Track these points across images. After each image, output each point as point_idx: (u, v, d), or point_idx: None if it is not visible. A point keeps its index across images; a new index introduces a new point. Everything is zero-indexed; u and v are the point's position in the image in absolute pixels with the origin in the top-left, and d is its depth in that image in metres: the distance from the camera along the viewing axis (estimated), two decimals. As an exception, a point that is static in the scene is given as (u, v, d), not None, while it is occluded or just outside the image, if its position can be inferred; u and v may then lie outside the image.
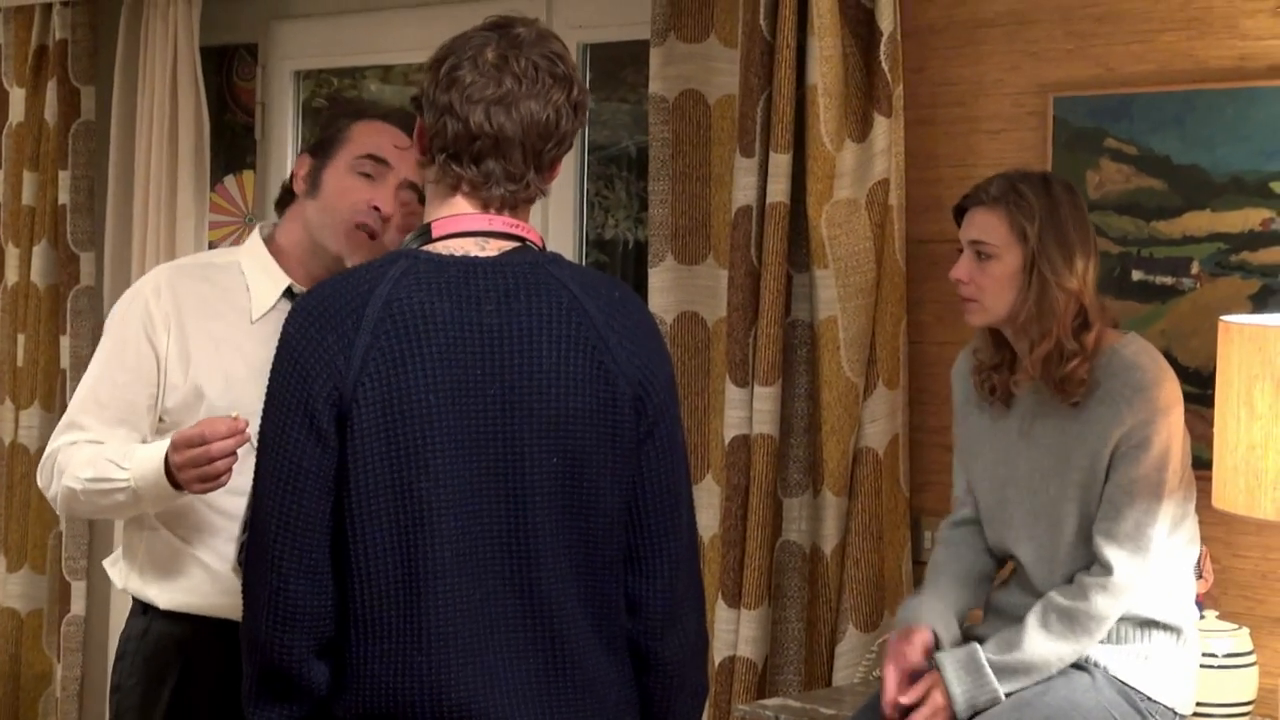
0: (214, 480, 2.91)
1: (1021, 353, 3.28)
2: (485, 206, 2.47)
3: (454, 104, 2.44)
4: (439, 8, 5.10)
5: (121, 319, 3.15)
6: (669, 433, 2.52)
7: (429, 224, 2.48)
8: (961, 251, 3.32)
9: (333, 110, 3.28)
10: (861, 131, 3.99)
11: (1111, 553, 3.17)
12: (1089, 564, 3.23)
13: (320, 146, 3.17)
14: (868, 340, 3.97)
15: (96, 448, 3.04)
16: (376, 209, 3.08)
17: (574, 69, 2.52)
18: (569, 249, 4.86)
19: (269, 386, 2.43)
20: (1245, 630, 3.43)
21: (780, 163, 3.95)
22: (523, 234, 2.49)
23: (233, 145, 5.61)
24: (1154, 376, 3.16)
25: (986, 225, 3.26)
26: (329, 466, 2.36)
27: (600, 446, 2.44)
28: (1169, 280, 3.66)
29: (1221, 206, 3.60)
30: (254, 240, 3.22)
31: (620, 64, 5.07)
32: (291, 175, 3.20)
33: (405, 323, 2.37)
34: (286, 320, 2.44)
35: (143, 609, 3.19)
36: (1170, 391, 3.16)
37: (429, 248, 2.45)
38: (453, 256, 2.43)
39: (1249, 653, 3.41)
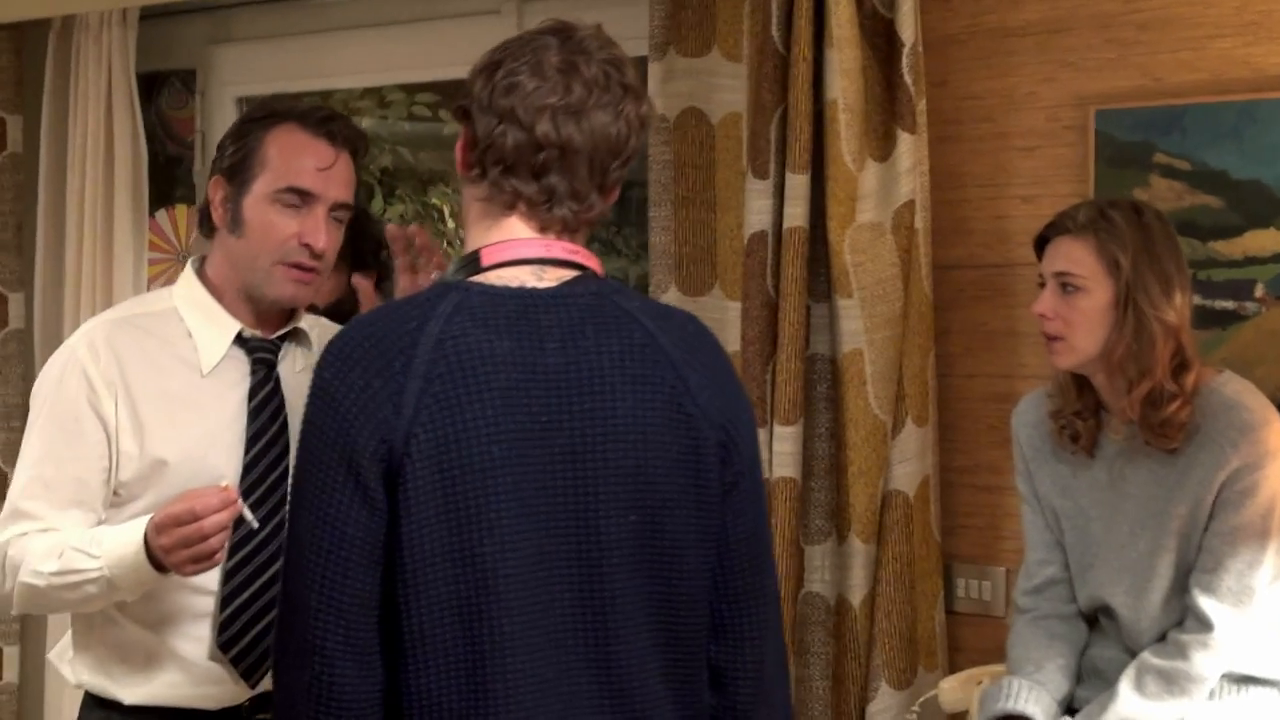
0: (209, 559, 2.58)
1: (1114, 395, 2.99)
2: (543, 229, 2.19)
3: (516, 110, 2.15)
4: (387, 29, 4.82)
5: (57, 387, 2.77)
6: (755, 483, 2.27)
7: (477, 251, 2.19)
8: (1043, 285, 3.03)
9: (242, 116, 2.87)
10: (884, 150, 3.70)
11: (1211, 607, 2.89)
12: (1182, 618, 2.95)
13: (234, 170, 2.78)
14: (895, 374, 3.67)
15: (54, 536, 2.69)
16: (308, 246, 2.76)
17: (640, 79, 2.24)
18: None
19: (303, 441, 2.12)
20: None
21: (798, 184, 3.65)
22: (583, 261, 2.21)
23: (164, 177, 5.22)
24: (1261, 417, 2.89)
25: (1074, 255, 2.98)
26: (378, 532, 2.06)
27: (683, 501, 2.16)
28: (1230, 305, 3.39)
29: (1286, 224, 3.35)
30: (187, 279, 2.86)
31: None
32: (208, 201, 2.83)
33: (462, 365, 2.07)
34: (321, 364, 2.13)
35: (98, 702, 2.83)
36: (1276, 433, 2.89)
37: (479, 279, 2.16)
38: (508, 289, 2.14)
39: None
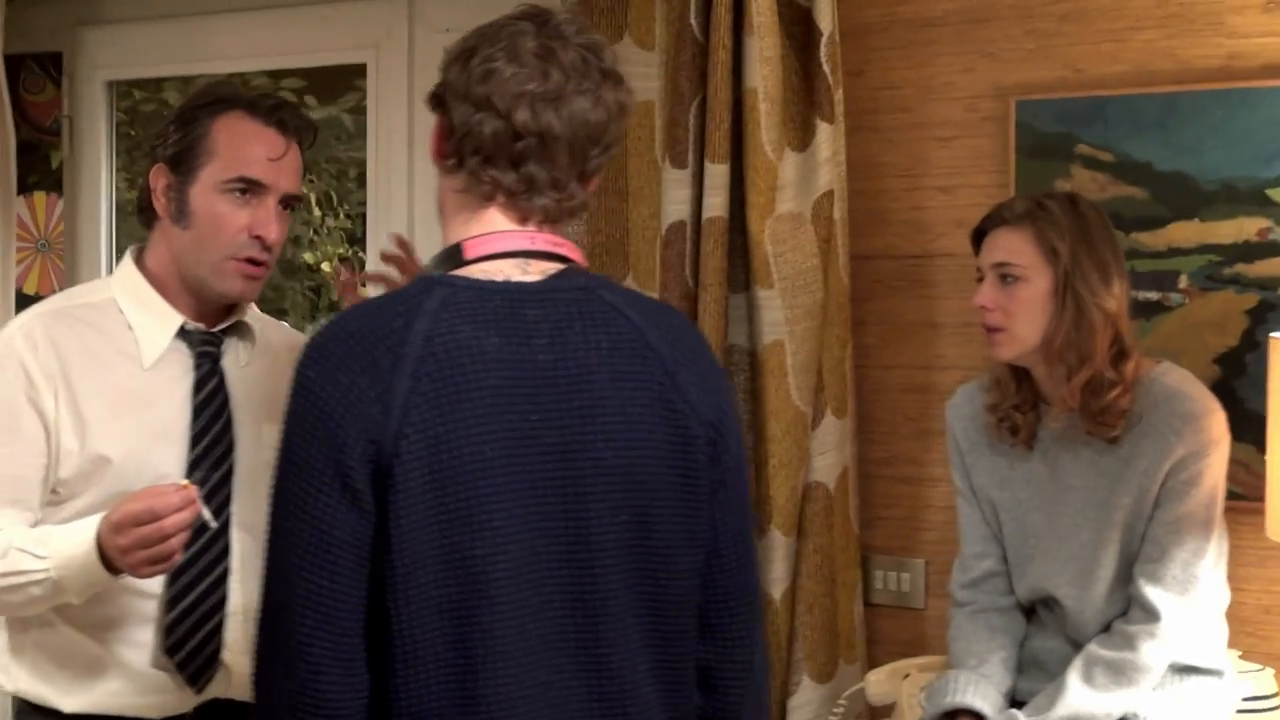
0: (167, 560, 2.47)
1: (1054, 384, 2.99)
2: (524, 220, 2.13)
3: (493, 98, 2.08)
4: (264, 13, 4.70)
5: None
6: (742, 483, 2.23)
7: (459, 244, 2.12)
8: (981, 279, 3.02)
9: (187, 102, 2.76)
10: (803, 140, 3.66)
11: (1158, 597, 2.90)
12: (1126, 608, 2.96)
13: (179, 158, 2.68)
14: (815, 366, 3.64)
15: None
16: (259, 238, 2.67)
17: (617, 64, 2.18)
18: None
19: (286, 442, 2.03)
20: (1270, 671, 3.18)
21: (717, 174, 3.60)
22: (568, 254, 2.15)
23: (20, 164, 5.03)
24: (1204, 405, 2.90)
25: (1012, 246, 2.97)
26: (366, 535, 1.98)
27: (672, 500, 2.11)
28: (1154, 296, 3.42)
29: (1212, 216, 3.37)
30: (126, 269, 2.76)
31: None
32: (147, 189, 2.72)
33: (451, 362, 1.99)
34: (302, 362, 2.04)
35: (34, 709, 2.70)
36: (1220, 421, 2.90)
37: (462, 272, 2.09)
38: (494, 283, 2.07)
39: (1273, 694, 3.16)
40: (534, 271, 2.10)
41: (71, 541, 2.49)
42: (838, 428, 3.68)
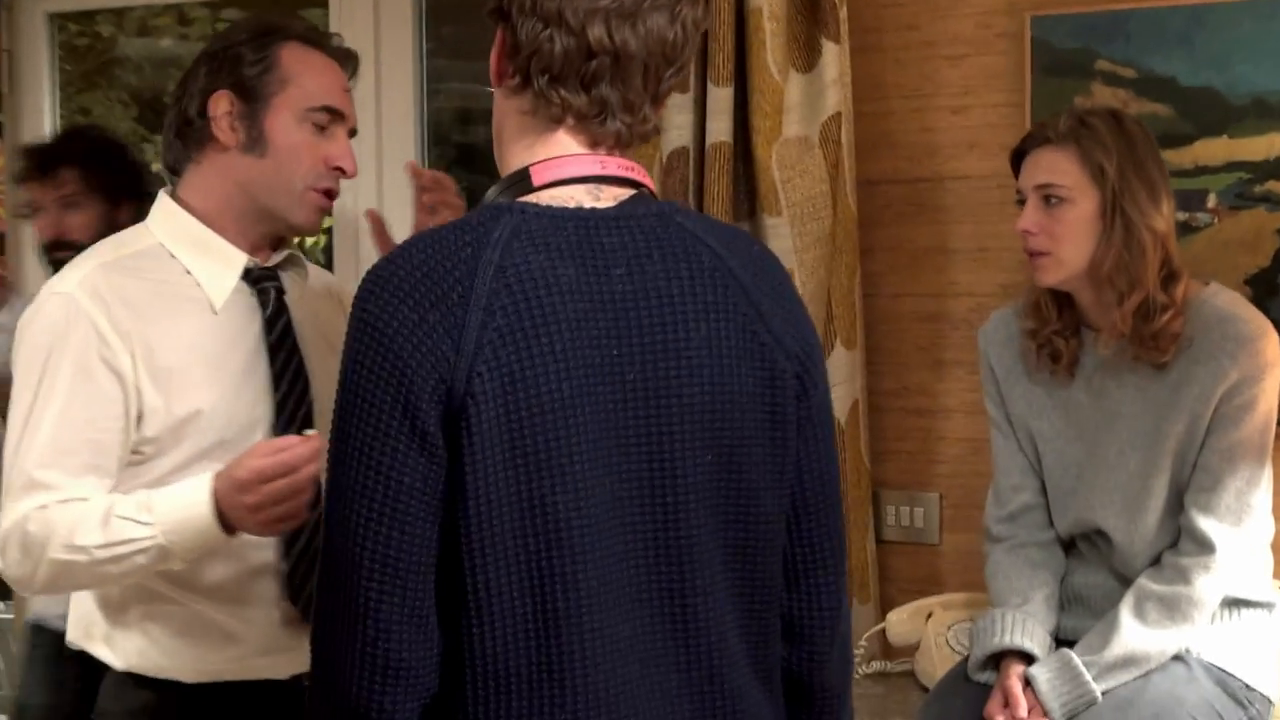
0: (298, 517, 2.34)
1: (1101, 309, 2.86)
2: (594, 145, 1.97)
3: (564, 12, 1.91)
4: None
5: (59, 342, 2.45)
6: (829, 419, 2.09)
7: (527, 169, 1.96)
8: (1022, 201, 2.88)
9: (238, 29, 2.62)
10: (808, 61, 3.51)
11: (1212, 527, 2.79)
12: (1175, 539, 2.85)
13: (248, 85, 2.55)
14: (825, 295, 3.51)
15: (84, 506, 2.40)
16: (339, 169, 2.57)
17: None
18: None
19: (345, 382, 1.86)
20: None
21: (721, 97, 3.46)
22: (640, 179, 2.00)
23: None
24: (1258, 327, 2.78)
25: (1056, 166, 2.83)
26: (437, 482, 1.82)
27: (760, 438, 1.97)
28: (1182, 216, 3.27)
29: (1241, 132, 3.25)
30: (168, 210, 2.60)
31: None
32: (205, 116, 2.56)
33: (525, 294, 1.84)
34: (363, 297, 1.87)
35: (144, 682, 2.54)
36: (1275, 344, 2.79)
37: (531, 198, 1.93)
38: (566, 209, 1.92)
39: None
40: (606, 198, 1.96)
41: (180, 504, 2.34)
42: (848, 359, 3.55)
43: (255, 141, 2.54)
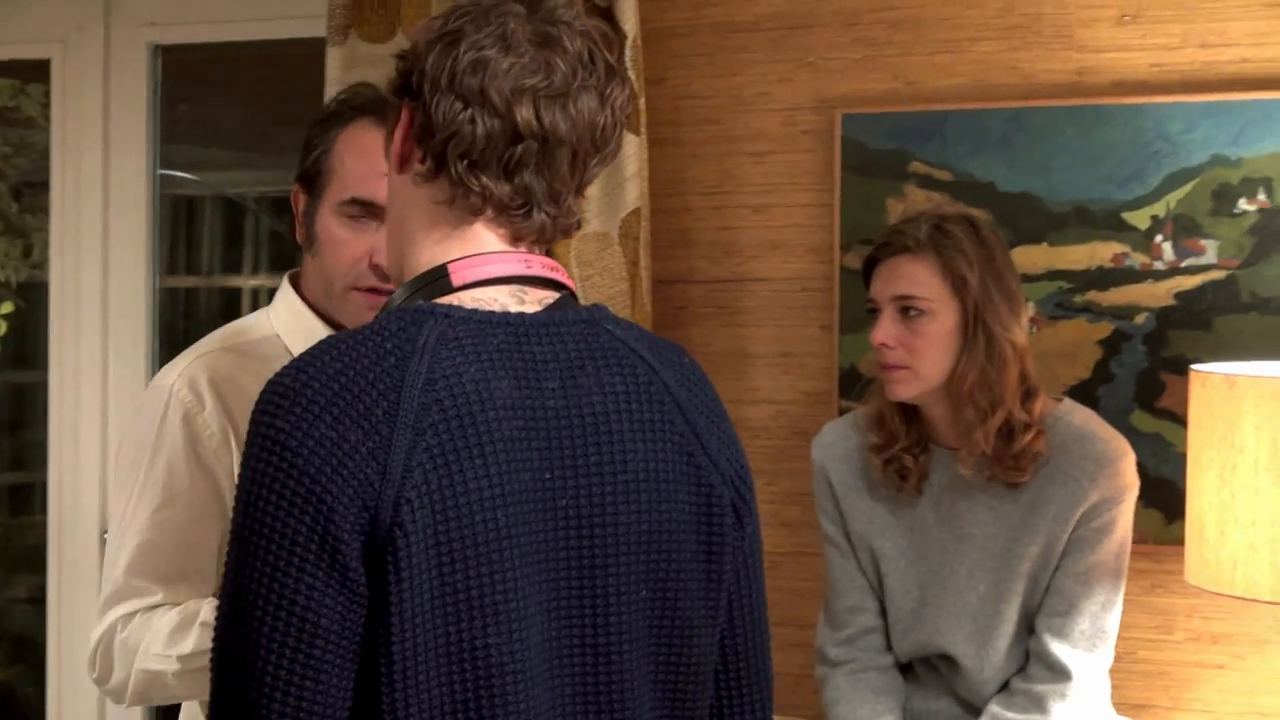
0: None
1: (955, 426, 2.72)
2: (515, 240, 1.77)
3: (487, 91, 1.70)
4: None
5: (157, 440, 2.32)
6: (760, 552, 1.91)
7: (444, 267, 1.74)
8: (874, 311, 2.73)
9: (325, 109, 2.45)
10: (608, 152, 3.31)
11: (1066, 654, 2.67)
12: (1023, 664, 2.72)
13: (307, 177, 2.40)
14: (623, 401, 3.29)
15: (174, 614, 2.27)
16: (379, 266, 2.32)
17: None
18: (140, 313, 3.95)
19: (249, 509, 1.61)
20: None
21: (518, 188, 3.22)
22: (564, 280, 1.81)
23: None
24: (1118, 448, 2.67)
25: (915, 276, 2.68)
26: (357, 623, 1.59)
27: (695, 571, 1.79)
28: (999, 325, 3.18)
29: (1062, 240, 3.17)
30: (286, 298, 2.45)
31: (196, 69, 4.15)
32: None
33: (459, 411, 1.63)
34: (268, 410, 1.62)
35: None
36: (1133, 465, 2.69)
37: (451, 300, 1.72)
38: (494, 314, 1.71)
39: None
40: (532, 301, 1.75)
41: None
42: (645, 469, 3.34)
43: (310, 240, 2.39)
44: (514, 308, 1.72)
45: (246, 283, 4.48)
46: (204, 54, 4.04)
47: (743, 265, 3.40)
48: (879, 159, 3.27)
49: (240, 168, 4.49)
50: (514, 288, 1.74)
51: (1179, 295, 3.11)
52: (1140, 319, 3.13)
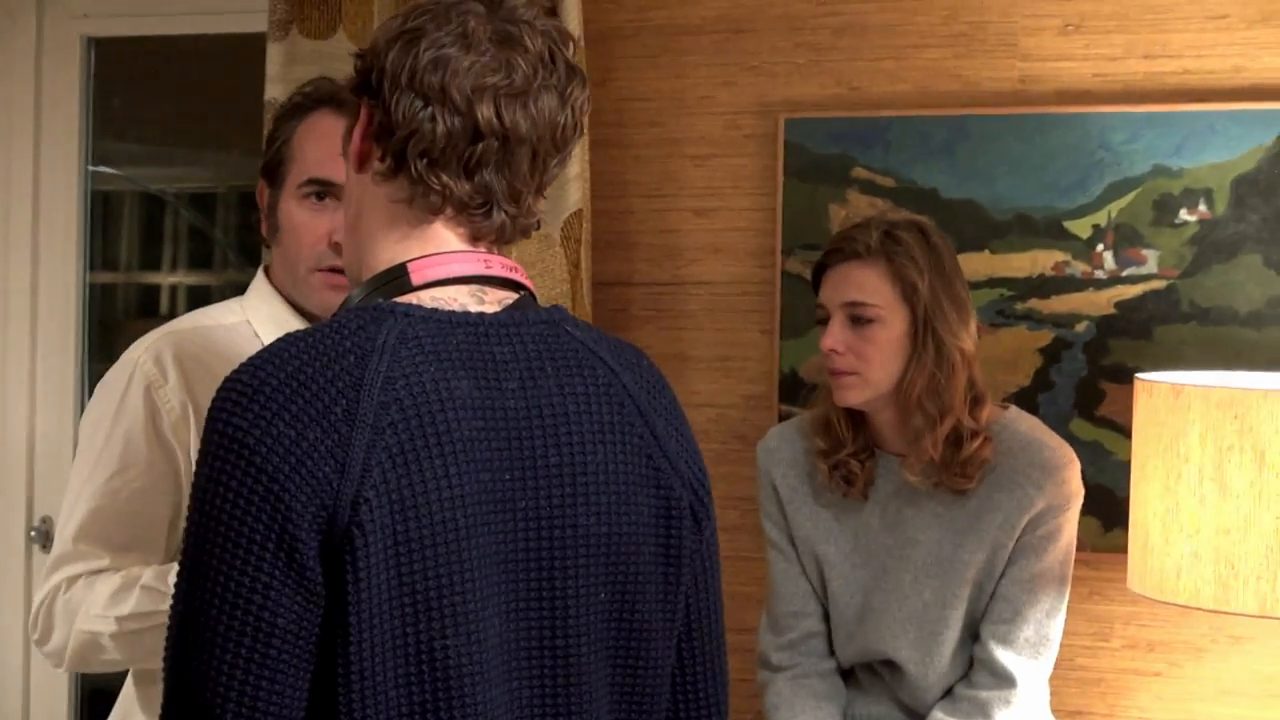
0: None
1: (901, 433, 2.72)
2: (475, 239, 1.76)
3: (448, 89, 1.70)
4: None
5: (118, 408, 2.35)
6: (717, 556, 1.91)
7: (404, 265, 1.73)
8: (823, 319, 2.72)
9: (283, 103, 2.45)
10: (550, 152, 3.29)
11: (1011, 660, 2.67)
12: (966, 670, 2.72)
13: (269, 169, 2.42)
14: (563, 404, 3.28)
15: (117, 577, 2.29)
16: (339, 244, 2.28)
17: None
18: (70, 308, 3.90)
19: (205, 507, 1.59)
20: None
21: (460, 188, 3.19)
22: (523, 280, 1.80)
23: None
24: (1064, 456, 2.68)
25: (865, 283, 2.67)
26: (313, 625, 1.58)
27: (653, 575, 1.78)
28: (941, 331, 3.19)
29: (1004, 248, 3.18)
30: (259, 287, 2.47)
31: (136, 62, 4.09)
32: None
33: (419, 410, 1.62)
34: (224, 409, 1.61)
35: None
36: (1078, 473, 2.69)
37: (409, 298, 1.71)
38: (454, 314, 1.71)
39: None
40: (491, 301, 1.75)
41: None
42: (584, 472, 3.32)
43: (273, 230, 2.41)
44: (474, 307, 1.72)
45: (165, 279, 4.42)
46: (134, 48, 3.99)
47: (684, 268, 3.39)
48: (821, 164, 3.27)
49: (165, 164, 4.43)
50: (473, 287, 1.73)
51: (1119, 304, 3.12)
52: (1081, 327, 3.14)
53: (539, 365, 1.72)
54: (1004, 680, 2.68)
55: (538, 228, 1.83)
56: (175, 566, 2.19)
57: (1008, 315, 3.18)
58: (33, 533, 3.90)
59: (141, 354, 2.36)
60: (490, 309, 1.72)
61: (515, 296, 1.76)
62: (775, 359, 3.30)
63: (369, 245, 1.77)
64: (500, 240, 1.77)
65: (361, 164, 1.76)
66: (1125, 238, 3.11)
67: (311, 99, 2.38)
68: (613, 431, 1.74)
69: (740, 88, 3.35)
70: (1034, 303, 3.17)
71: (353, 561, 1.55)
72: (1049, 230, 3.15)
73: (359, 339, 1.63)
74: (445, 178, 1.71)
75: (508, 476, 1.66)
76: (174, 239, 4.46)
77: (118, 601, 2.26)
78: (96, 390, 2.41)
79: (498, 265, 1.76)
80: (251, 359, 1.64)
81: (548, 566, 1.68)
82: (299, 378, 1.60)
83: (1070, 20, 3.15)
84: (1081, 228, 3.13)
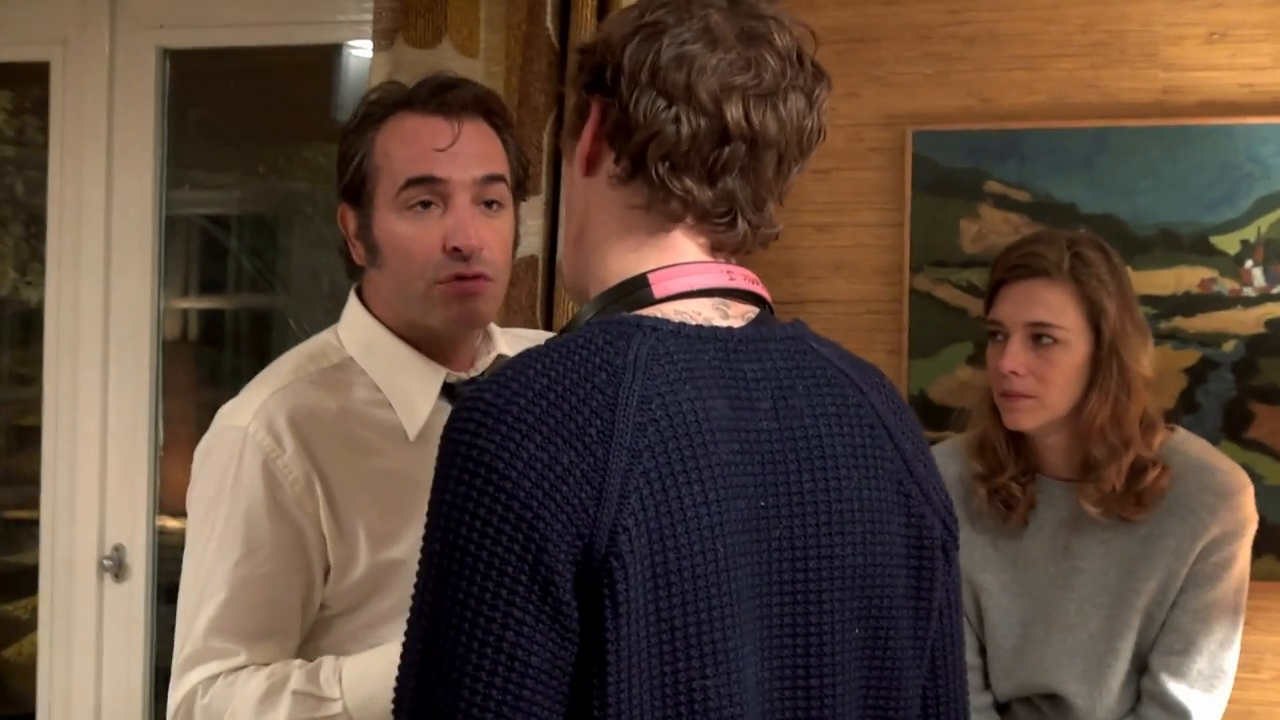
0: None
1: (1068, 458, 2.61)
2: (715, 249, 1.63)
3: (695, 88, 1.56)
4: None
5: (233, 487, 2.11)
6: (960, 587, 1.77)
7: (644, 276, 1.60)
8: (996, 335, 2.60)
9: (349, 121, 2.22)
10: (668, 166, 3.17)
11: (1184, 694, 2.55)
12: (1134, 703, 2.60)
13: (353, 189, 2.17)
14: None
15: (261, 678, 2.08)
16: (457, 249, 2.10)
17: None
18: (144, 332, 3.75)
19: (449, 536, 1.45)
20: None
21: (578, 202, 3.07)
22: (764, 293, 1.66)
23: None
24: (1238, 480, 2.56)
25: (1053, 303, 2.55)
26: (567, 662, 1.45)
27: (905, 610, 1.65)
28: (1080, 351, 3.07)
29: (1147, 264, 3.06)
30: (356, 317, 2.22)
31: (207, 78, 3.96)
32: (344, 239, 2.22)
33: (676, 433, 1.48)
34: (467, 429, 1.47)
35: None
36: (1252, 498, 2.57)
37: (655, 311, 1.57)
38: (702, 329, 1.57)
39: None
40: (735, 315, 1.61)
41: (370, 676, 2.04)
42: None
43: (374, 253, 2.17)
44: (719, 321, 1.58)
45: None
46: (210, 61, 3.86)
47: (804, 286, 3.27)
48: (952, 177, 3.15)
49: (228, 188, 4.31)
50: (717, 300, 1.60)
51: (1270, 323, 3.01)
52: (1228, 346, 3.03)
53: (789, 384, 1.59)
54: (1177, 714, 2.55)
55: (776, 238, 1.70)
56: (324, 664, 2.09)
57: (1152, 335, 3.05)
58: (105, 561, 3.75)
59: (250, 422, 2.13)
60: (735, 323, 1.59)
61: (757, 310, 1.63)
62: (904, 381, 3.17)
63: (598, 254, 1.63)
64: (739, 251, 1.63)
65: (590, 166, 1.63)
66: (1276, 254, 3.00)
67: (384, 104, 2.18)
68: (865, 455, 1.61)
69: (864, 99, 3.23)
70: (1179, 321, 3.05)
71: (611, 595, 1.42)
72: (1194, 246, 3.04)
73: (608, 354, 1.50)
74: (688, 182, 1.57)
75: (763, 504, 1.53)
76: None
77: (266, 711, 2.07)
78: (198, 462, 2.19)
79: (740, 277, 1.63)
80: (493, 377, 1.50)
81: (802, 600, 1.55)
82: (548, 396, 1.46)
83: (1215, 29, 3.04)
84: (1229, 243, 3.02)
